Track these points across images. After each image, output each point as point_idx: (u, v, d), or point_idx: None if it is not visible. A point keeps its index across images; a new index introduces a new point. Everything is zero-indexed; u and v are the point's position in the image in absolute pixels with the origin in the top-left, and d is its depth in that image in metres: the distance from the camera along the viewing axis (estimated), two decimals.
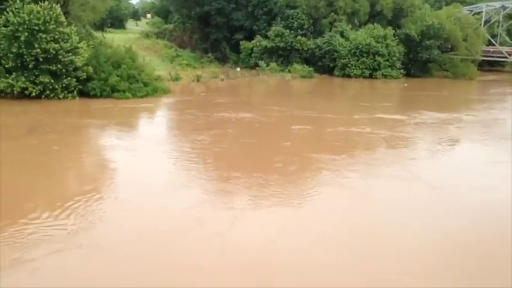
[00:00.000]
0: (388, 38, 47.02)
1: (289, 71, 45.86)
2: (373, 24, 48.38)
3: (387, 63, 46.72)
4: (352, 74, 45.68)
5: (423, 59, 49.58)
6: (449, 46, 51.32)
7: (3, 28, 25.94)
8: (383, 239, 11.36)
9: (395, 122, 25.96)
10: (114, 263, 9.84)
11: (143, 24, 78.15)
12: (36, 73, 26.00)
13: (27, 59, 25.65)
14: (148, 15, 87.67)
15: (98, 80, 28.25)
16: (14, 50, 25.59)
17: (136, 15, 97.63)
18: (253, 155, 18.64)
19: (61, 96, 26.67)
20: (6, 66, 25.89)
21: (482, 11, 56.42)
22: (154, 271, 9.44)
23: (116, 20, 68.91)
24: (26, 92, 25.81)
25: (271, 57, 47.21)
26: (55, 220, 11.45)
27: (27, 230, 10.88)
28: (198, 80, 39.07)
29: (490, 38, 56.88)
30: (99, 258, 10.02)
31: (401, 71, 47.80)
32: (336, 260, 10.30)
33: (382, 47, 46.20)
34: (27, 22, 25.62)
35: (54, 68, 26.12)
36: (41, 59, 25.88)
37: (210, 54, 48.05)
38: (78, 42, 27.48)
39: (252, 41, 48.43)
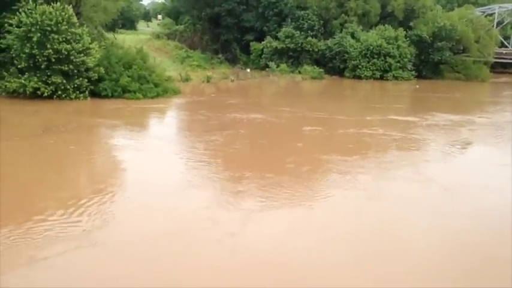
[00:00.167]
0: (399, 39, 46.75)
1: (299, 72, 45.73)
2: (384, 25, 48.14)
3: (398, 64, 46.47)
4: (362, 76, 45.46)
5: (435, 61, 49.19)
6: (461, 48, 50.79)
7: (16, 29, 26.17)
8: (392, 240, 11.35)
9: (408, 123, 25.76)
10: (124, 262, 9.85)
11: (154, 25, 78.58)
12: (49, 73, 26.20)
13: (40, 60, 25.85)
14: (159, 17, 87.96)
15: (109, 81, 28.42)
16: (27, 51, 25.80)
17: (147, 16, 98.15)
18: (265, 156, 18.61)
19: (73, 96, 26.85)
20: (19, 66, 26.14)
21: (494, 13, 56.00)
22: (166, 271, 9.45)
23: (127, 21, 69.34)
24: (38, 92, 26.02)
25: (281, 58, 47.13)
26: (70, 217, 11.54)
27: (43, 226, 10.99)
28: (208, 81, 39.16)
29: (502, 39, 56.43)
30: (113, 256, 10.10)
31: (413, 72, 47.52)
32: (345, 261, 10.29)
33: (393, 49, 45.96)
34: (39, 23, 25.83)
35: (66, 68, 26.31)
36: (53, 60, 26.06)
37: (220, 55, 48.11)
38: (89, 43, 27.66)
39: (262, 42, 48.43)
